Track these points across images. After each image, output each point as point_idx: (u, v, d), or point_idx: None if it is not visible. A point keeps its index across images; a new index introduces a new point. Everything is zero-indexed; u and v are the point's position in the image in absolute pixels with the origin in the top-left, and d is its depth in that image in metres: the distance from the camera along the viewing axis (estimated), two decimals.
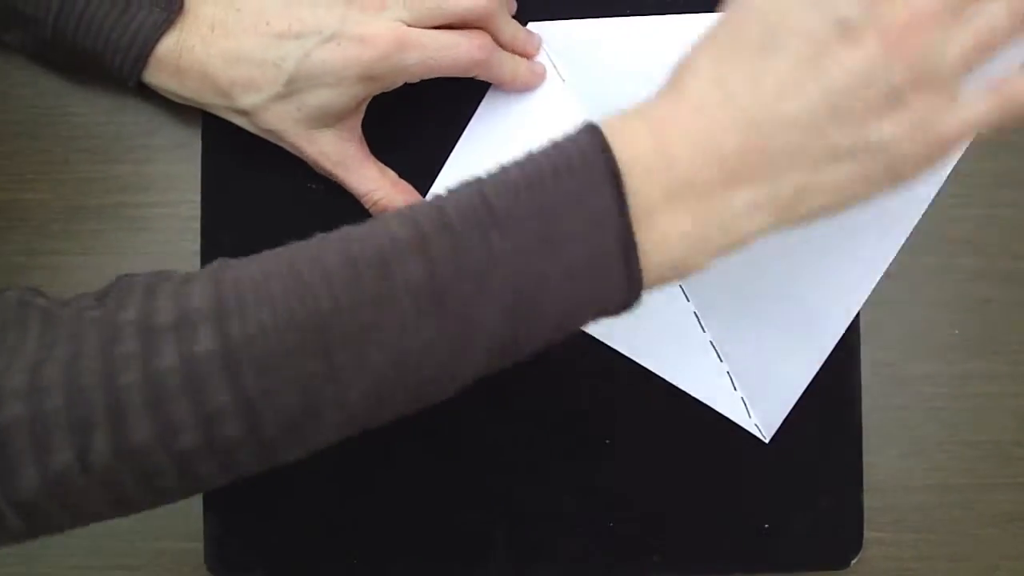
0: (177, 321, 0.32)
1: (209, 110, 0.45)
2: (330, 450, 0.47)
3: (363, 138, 0.46)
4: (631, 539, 0.48)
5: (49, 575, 0.47)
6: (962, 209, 0.50)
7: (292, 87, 0.42)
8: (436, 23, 0.43)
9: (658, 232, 0.33)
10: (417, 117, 0.47)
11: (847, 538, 0.48)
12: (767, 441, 0.48)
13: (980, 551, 0.49)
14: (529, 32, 0.47)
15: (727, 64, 0.34)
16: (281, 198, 0.48)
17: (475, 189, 0.33)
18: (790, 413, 0.48)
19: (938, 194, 0.50)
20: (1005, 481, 0.49)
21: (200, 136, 0.48)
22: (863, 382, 0.49)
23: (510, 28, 0.46)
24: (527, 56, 0.47)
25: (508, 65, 0.46)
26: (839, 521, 0.48)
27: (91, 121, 0.48)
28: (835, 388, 0.48)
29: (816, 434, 0.48)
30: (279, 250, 0.34)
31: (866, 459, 0.48)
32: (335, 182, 0.46)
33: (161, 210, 0.48)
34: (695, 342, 0.48)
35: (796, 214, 0.34)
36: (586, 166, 0.33)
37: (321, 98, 0.43)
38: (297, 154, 0.45)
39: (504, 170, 0.34)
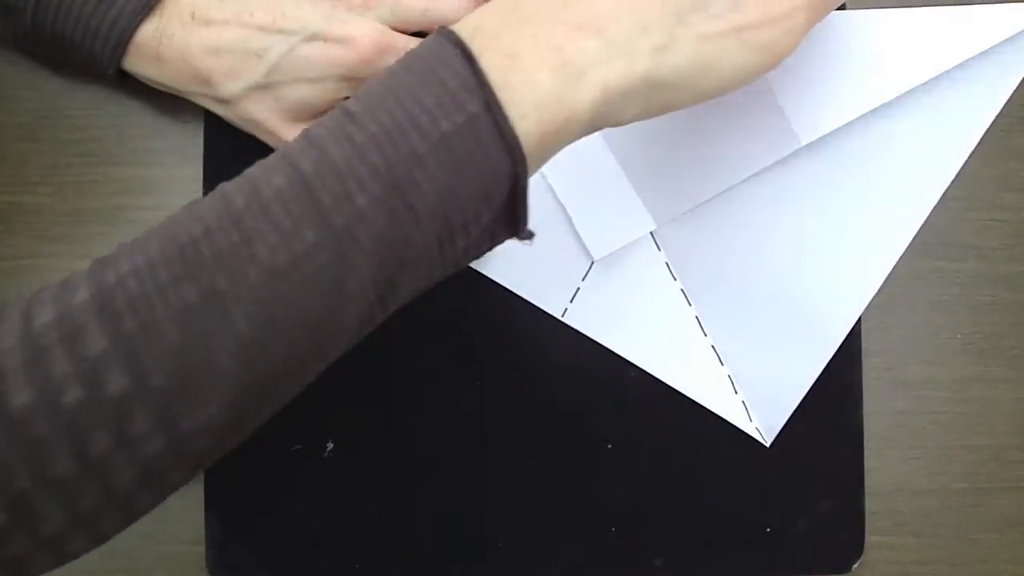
0: (58, 288, 0.31)
1: (189, 98, 0.45)
2: (331, 451, 0.47)
3: None
4: (632, 544, 0.48)
5: None
6: (964, 212, 0.50)
7: (272, 79, 0.43)
8: (420, 27, 0.43)
9: (517, 84, 0.32)
10: None
11: (848, 542, 0.48)
12: (768, 445, 0.48)
13: (982, 555, 0.49)
14: None
15: None
16: None
17: (336, 107, 0.33)
18: (791, 417, 0.48)
19: (941, 198, 0.50)
20: (1007, 485, 0.49)
21: (201, 139, 0.48)
22: (864, 386, 0.48)
23: None
24: None
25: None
26: (840, 525, 0.48)
27: (93, 124, 0.48)
28: (836, 392, 0.48)
29: (817, 438, 0.48)
30: None
31: (867, 463, 0.48)
32: None
33: (163, 213, 0.47)
34: (696, 346, 0.48)
35: (666, 63, 0.33)
36: (431, 47, 0.32)
37: (301, 92, 0.43)
38: (275, 146, 0.45)
39: (365, 84, 0.33)
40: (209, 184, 0.48)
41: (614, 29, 0.33)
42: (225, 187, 0.32)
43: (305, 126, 0.42)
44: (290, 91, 0.43)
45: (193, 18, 0.43)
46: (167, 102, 0.48)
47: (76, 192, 0.48)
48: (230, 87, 0.43)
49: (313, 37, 0.42)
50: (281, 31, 0.42)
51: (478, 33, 0.32)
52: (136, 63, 0.44)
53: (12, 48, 0.47)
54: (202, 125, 0.48)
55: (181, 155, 0.48)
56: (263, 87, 0.43)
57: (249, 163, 0.47)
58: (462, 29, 0.33)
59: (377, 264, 0.31)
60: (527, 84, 0.32)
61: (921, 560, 0.49)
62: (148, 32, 0.43)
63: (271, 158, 0.32)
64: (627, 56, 0.33)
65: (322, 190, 0.31)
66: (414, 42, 0.43)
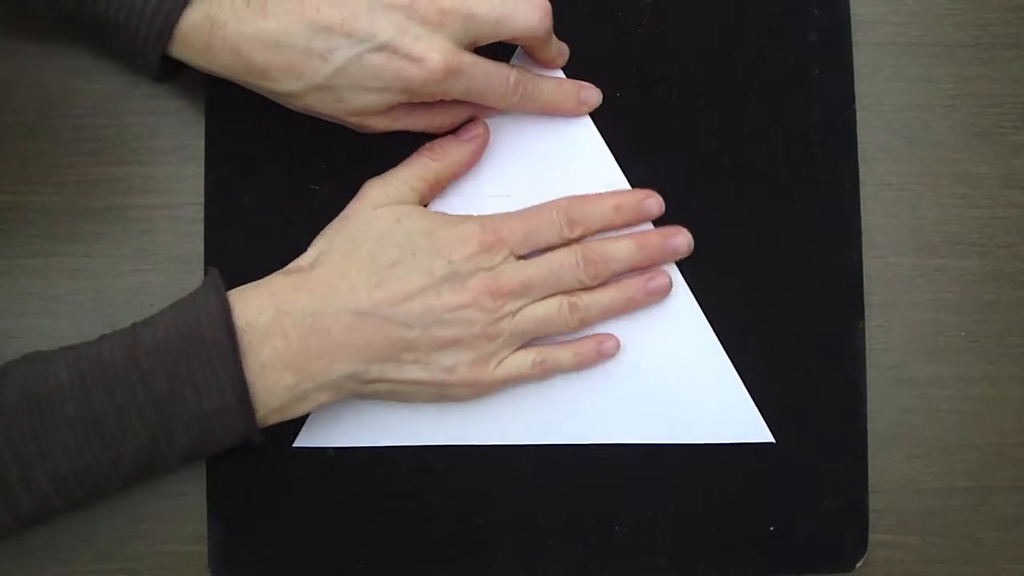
0: None
1: (244, 86, 0.44)
2: (333, 453, 0.47)
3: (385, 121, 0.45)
4: (636, 543, 0.48)
5: None
6: (967, 211, 0.50)
7: (335, 81, 0.41)
8: (491, 40, 0.43)
9: (265, 384, 0.41)
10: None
11: (852, 541, 0.48)
12: (775, 441, 0.48)
13: (985, 554, 0.49)
14: (561, 47, 0.47)
15: (358, 265, 0.43)
16: (284, 200, 0.48)
17: (130, 342, 0.41)
18: (795, 416, 0.48)
19: (944, 195, 0.50)
20: (1011, 484, 0.49)
21: (203, 138, 0.48)
22: (868, 384, 0.48)
23: (550, 51, 0.46)
24: (556, 68, 0.48)
25: (544, 97, 0.47)
26: (844, 524, 0.48)
27: (95, 123, 0.48)
28: (840, 390, 0.48)
29: (821, 436, 0.48)
30: None
31: (871, 462, 0.48)
32: (338, 184, 0.46)
33: (164, 212, 0.48)
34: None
35: (369, 390, 0.44)
36: (212, 334, 0.40)
37: (361, 98, 0.42)
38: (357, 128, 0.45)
39: (152, 327, 0.41)
40: (210, 183, 0.48)
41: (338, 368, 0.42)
42: (27, 386, 0.40)
43: (368, 121, 0.44)
44: (352, 95, 0.42)
45: (248, 6, 0.41)
46: (169, 101, 0.48)
47: (78, 191, 0.48)
48: (290, 84, 0.42)
49: (383, 47, 0.41)
50: (350, 35, 0.41)
51: (252, 331, 0.41)
52: (183, 51, 0.42)
53: (53, 31, 0.47)
54: (203, 124, 0.48)
55: (182, 154, 0.48)
56: (324, 88, 0.42)
57: (251, 164, 0.47)
58: (241, 318, 0.41)
59: (135, 473, 0.42)
60: (270, 391, 0.42)
61: (925, 559, 0.49)
62: (197, 17, 0.41)
63: (67, 369, 0.41)
64: (340, 389, 0.43)
65: (104, 429, 0.40)
66: (481, 65, 0.43)
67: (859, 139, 0.49)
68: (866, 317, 0.49)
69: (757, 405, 0.48)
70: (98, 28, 0.43)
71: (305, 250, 0.46)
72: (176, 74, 0.45)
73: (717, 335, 0.48)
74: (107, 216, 0.48)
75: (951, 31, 0.51)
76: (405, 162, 0.46)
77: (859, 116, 0.49)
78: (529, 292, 0.44)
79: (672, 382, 0.48)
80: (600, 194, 0.47)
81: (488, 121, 0.48)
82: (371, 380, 0.43)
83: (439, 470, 0.47)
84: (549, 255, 0.45)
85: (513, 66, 0.45)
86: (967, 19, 0.50)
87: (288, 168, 0.47)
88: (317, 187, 0.47)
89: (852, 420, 0.48)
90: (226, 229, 0.48)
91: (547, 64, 0.47)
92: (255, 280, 0.44)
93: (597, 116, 0.48)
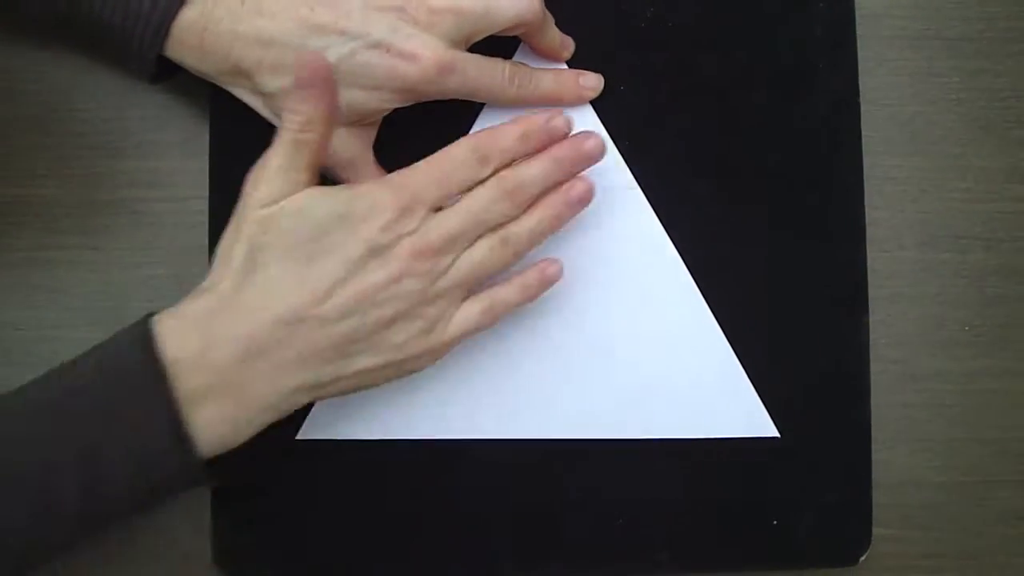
0: None
1: (224, 87, 0.44)
2: (336, 446, 0.47)
3: (372, 142, 0.46)
4: (639, 536, 0.48)
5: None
6: (973, 204, 0.50)
7: None
8: (483, 35, 0.43)
9: (202, 418, 0.38)
10: (421, 120, 0.47)
11: (856, 535, 0.48)
12: (779, 435, 0.48)
13: (989, 549, 0.49)
14: (565, 39, 0.47)
15: (274, 271, 0.39)
16: None
17: (53, 384, 0.39)
18: (799, 409, 0.48)
19: (948, 189, 0.50)
20: (1015, 478, 0.49)
21: (208, 132, 0.48)
22: (872, 378, 0.48)
23: (549, 37, 0.46)
24: (561, 60, 0.48)
25: (543, 87, 0.46)
26: (848, 518, 0.48)
27: (100, 117, 0.48)
28: (844, 384, 0.48)
29: (825, 431, 0.48)
30: None
31: (875, 456, 0.48)
32: (337, 179, 0.46)
33: (170, 205, 0.48)
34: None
35: (328, 392, 0.41)
36: (139, 371, 0.38)
37: (352, 97, 0.42)
38: None
39: (75, 367, 0.39)
40: (215, 176, 0.48)
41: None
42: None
43: (340, 130, 0.43)
44: (340, 94, 0.41)
45: (243, 4, 0.41)
46: (174, 95, 0.48)
47: (83, 185, 0.48)
48: (277, 82, 0.42)
49: (377, 45, 0.41)
50: (344, 33, 0.41)
51: (180, 365, 0.38)
52: (178, 49, 0.42)
53: (47, 34, 0.47)
54: (208, 117, 0.48)
55: (187, 148, 0.48)
56: None
57: (256, 158, 0.47)
58: (167, 352, 0.38)
59: (75, 530, 0.39)
60: (210, 425, 0.39)
61: (928, 553, 0.49)
62: (192, 16, 0.41)
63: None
64: (291, 403, 0.41)
65: (24, 473, 0.38)
66: (474, 61, 0.43)
67: (863, 133, 0.49)
68: (870, 311, 0.49)
69: (761, 399, 0.48)
70: (93, 30, 0.43)
71: None
72: (169, 76, 0.45)
73: (721, 329, 0.48)
74: (113, 209, 0.48)
75: (956, 25, 0.50)
76: (274, 150, 0.41)
77: (864, 110, 0.49)
78: (457, 242, 0.41)
79: (676, 376, 0.48)
80: (505, 124, 0.43)
81: (487, 117, 0.48)
82: (323, 384, 0.41)
83: (442, 463, 0.47)
84: (468, 199, 0.42)
85: (508, 60, 0.45)
86: (972, 13, 0.50)
87: None
88: (320, 180, 0.47)
89: (856, 414, 0.48)
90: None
91: (551, 56, 0.47)
92: None
93: (600, 110, 0.48)
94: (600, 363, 0.48)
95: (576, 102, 0.48)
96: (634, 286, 0.48)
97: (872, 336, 0.48)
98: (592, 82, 0.48)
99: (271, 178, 0.40)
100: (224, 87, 0.44)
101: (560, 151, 0.43)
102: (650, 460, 0.48)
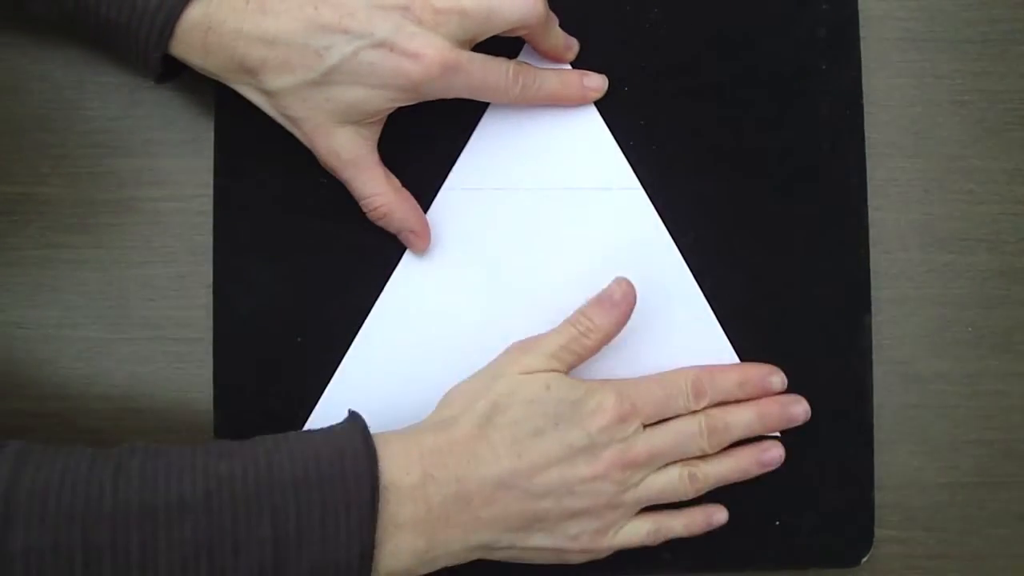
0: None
1: (229, 85, 0.44)
2: None
3: (376, 142, 0.46)
4: None
5: None
6: (976, 206, 0.50)
7: (329, 78, 0.42)
8: (488, 36, 0.43)
9: (394, 545, 0.40)
10: (426, 119, 0.47)
11: (858, 536, 0.48)
12: (780, 435, 0.48)
13: (991, 550, 0.49)
14: (569, 40, 0.48)
15: (503, 432, 0.42)
16: (293, 192, 0.48)
17: (265, 470, 0.38)
18: None
19: (952, 191, 0.50)
20: (1017, 480, 0.49)
21: (213, 131, 0.48)
22: (875, 379, 0.48)
23: (553, 39, 0.46)
24: (565, 61, 0.48)
25: (547, 88, 0.47)
26: (850, 519, 0.48)
27: (105, 116, 0.48)
28: (847, 385, 0.48)
29: (827, 432, 0.48)
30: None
31: (877, 457, 0.48)
32: (340, 177, 0.46)
33: (174, 204, 0.48)
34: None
35: (495, 556, 0.43)
36: (356, 487, 0.39)
37: (356, 95, 0.42)
38: (308, 145, 0.44)
39: (291, 459, 0.39)
40: (220, 175, 0.48)
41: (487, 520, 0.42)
42: (131, 498, 0.37)
43: (346, 128, 0.43)
44: (344, 92, 0.42)
45: (247, 3, 0.42)
46: (179, 94, 0.48)
47: (87, 183, 0.48)
48: (281, 80, 0.42)
49: (381, 44, 0.41)
50: (348, 31, 0.41)
51: (396, 490, 0.40)
52: (182, 47, 0.42)
53: (55, 30, 0.47)
54: (213, 116, 0.48)
55: (192, 146, 0.48)
56: (316, 84, 0.42)
57: (260, 157, 0.47)
58: (387, 474, 0.40)
59: None
60: (396, 553, 0.40)
61: (930, 554, 0.49)
62: (197, 14, 0.41)
63: (179, 482, 0.38)
64: (468, 554, 0.42)
65: (211, 559, 0.37)
66: (478, 61, 0.43)
67: (867, 134, 0.49)
68: (873, 312, 0.49)
69: None
70: (99, 29, 0.43)
71: (313, 244, 0.47)
72: (174, 75, 0.45)
73: (724, 329, 0.48)
74: (117, 208, 0.48)
75: (959, 27, 0.50)
76: (555, 331, 0.45)
77: (867, 111, 0.49)
78: (654, 461, 0.44)
79: None
80: (726, 367, 0.47)
81: (492, 116, 0.48)
82: (499, 547, 0.42)
83: None
84: (675, 424, 0.45)
85: (512, 60, 0.45)
86: (975, 15, 0.50)
87: (297, 161, 0.47)
88: (326, 180, 0.47)
89: (858, 415, 0.48)
90: (235, 221, 0.48)
91: (555, 57, 0.47)
92: (256, 274, 0.44)
93: (605, 110, 0.48)
94: (606, 366, 0.48)
95: (580, 102, 0.48)
96: (637, 286, 0.48)
97: (875, 337, 0.49)
98: (596, 83, 0.48)
99: (540, 354, 0.44)
100: (229, 85, 0.44)
101: (768, 407, 0.47)
102: None
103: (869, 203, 0.49)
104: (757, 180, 0.49)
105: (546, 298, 0.47)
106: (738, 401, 0.46)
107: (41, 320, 0.48)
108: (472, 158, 0.48)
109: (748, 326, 0.48)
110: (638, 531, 0.45)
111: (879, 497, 0.48)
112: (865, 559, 0.48)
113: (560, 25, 0.46)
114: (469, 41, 0.43)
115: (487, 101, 0.47)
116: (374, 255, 0.48)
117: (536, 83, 0.46)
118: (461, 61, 0.42)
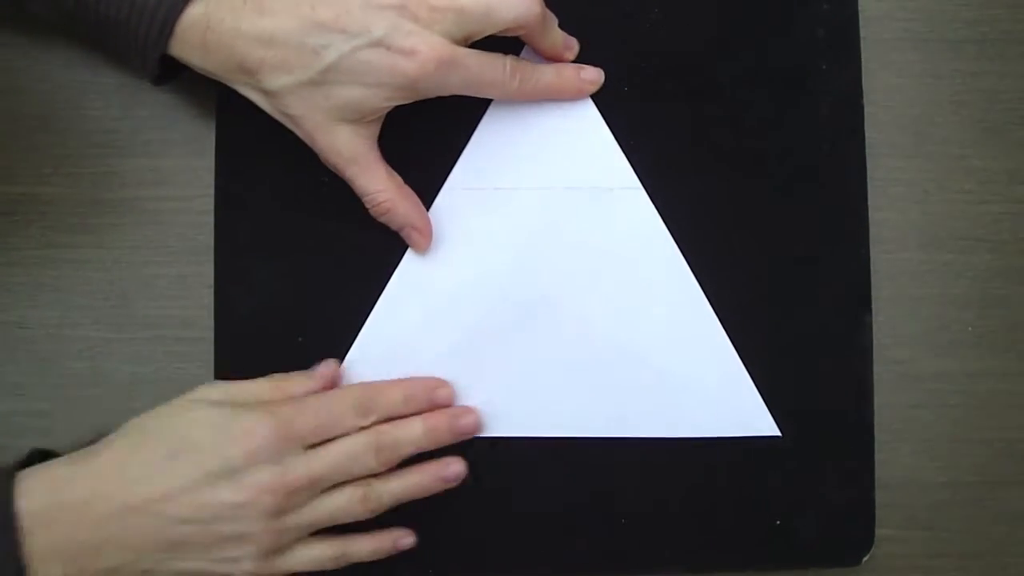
0: None
1: (229, 84, 0.44)
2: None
3: (377, 140, 0.46)
4: (641, 535, 0.48)
5: None
6: (977, 206, 0.50)
7: (327, 77, 0.42)
8: (484, 34, 0.43)
9: (34, 573, 0.39)
10: (427, 119, 0.48)
11: (858, 535, 0.48)
12: (781, 434, 0.48)
13: (991, 549, 0.49)
14: (569, 40, 0.48)
15: (140, 456, 0.42)
16: (294, 192, 0.48)
17: None
18: (802, 410, 0.48)
19: (952, 191, 0.50)
20: (1017, 479, 0.49)
21: (214, 131, 0.48)
22: (876, 379, 0.48)
23: (551, 39, 0.46)
24: (564, 61, 0.48)
25: (544, 81, 0.47)
26: (850, 518, 0.48)
27: (107, 116, 0.49)
28: (847, 385, 0.48)
29: (827, 431, 0.48)
30: None
31: (878, 456, 0.48)
32: (343, 175, 0.46)
33: (176, 204, 0.48)
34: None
35: (153, 574, 0.42)
36: None
37: (353, 94, 0.42)
38: (309, 143, 0.44)
39: None
40: (221, 175, 0.48)
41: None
42: None
43: (345, 127, 0.43)
44: (343, 91, 0.42)
45: (245, 3, 0.42)
46: (180, 94, 0.49)
47: (89, 183, 0.48)
48: (279, 80, 0.42)
49: (378, 43, 0.41)
50: (344, 31, 0.41)
51: (31, 518, 0.40)
52: (182, 47, 0.42)
53: (54, 29, 0.47)
54: (214, 116, 0.48)
55: (194, 146, 0.49)
56: (314, 84, 0.42)
57: (262, 157, 0.47)
58: (23, 503, 0.40)
59: None
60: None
61: (931, 553, 0.49)
62: (196, 14, 0.41)
63: None
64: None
65: None
66: (475, 56, 0.43)
67: (867, 134, 0.49)
68: (873, 312, 0.49)
69: (764, 399, 0.48)
70: (99, 28, 0.43)
71: (313, 244, 0.47)
72: (173, 76, 0.45)
73: (724, 329, 0.48)
74: (119, 208, 0.48)
75: (959, 27, 0.51)
76: (252, 381, 0.45)
77: (867, 111, 0.49)
78: (318, 484, 0.43)
79: (679, 376, 0.48)
80: (391, 383, 0.46)
81: (493, 116, 0.48)
82: (147, 570, 0.41)
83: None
84: (340, 444, 0.44)
85: (509, 55, 0.45)
86: (975, 15, 0.51)
87: (298, 161, 0.47)
88: (327, 179, 0.47)
89: (859, 414, 0.48)
90: (237, 221, 0.48)
91: (554, 57, 0.48)
92: (257, 274, 0.45)
93: (605, 110, 0.48)
94: (602, 363, 0.48)
95: (577, 96, 0.48)
96: (636, 286, 0.48)
97: (875, 337, 0.49)
98: (592, 75, 0.48)
99: (217, 387, 0.45)
100: (229, 85, 0.44)
101: (436, 421, 0.46)
102: (652, 459, 0.48)
103: (869, 203, 0.49)
104: (757, 180, 0.49)
105: (546, 297, 0.48)
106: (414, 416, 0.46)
107: (42, 320, 0.48)
108: (473, 158, 0.48)
109: (748, 326, 0.48)
110: (317, 555, 0.44)
111: (880, 496, 0.48)
112: (866, 558, 0.48)
113: (560, 25, 0.47)
114: (465, 39, 0.43)
115: (486, 97, 0.47)
116: (375, 255, 0.48)
117: (534, 78, 0.46)
118: (457, 56, 0.43)
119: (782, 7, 0.49)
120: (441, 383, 0.47)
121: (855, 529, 0.48)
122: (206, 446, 0.42)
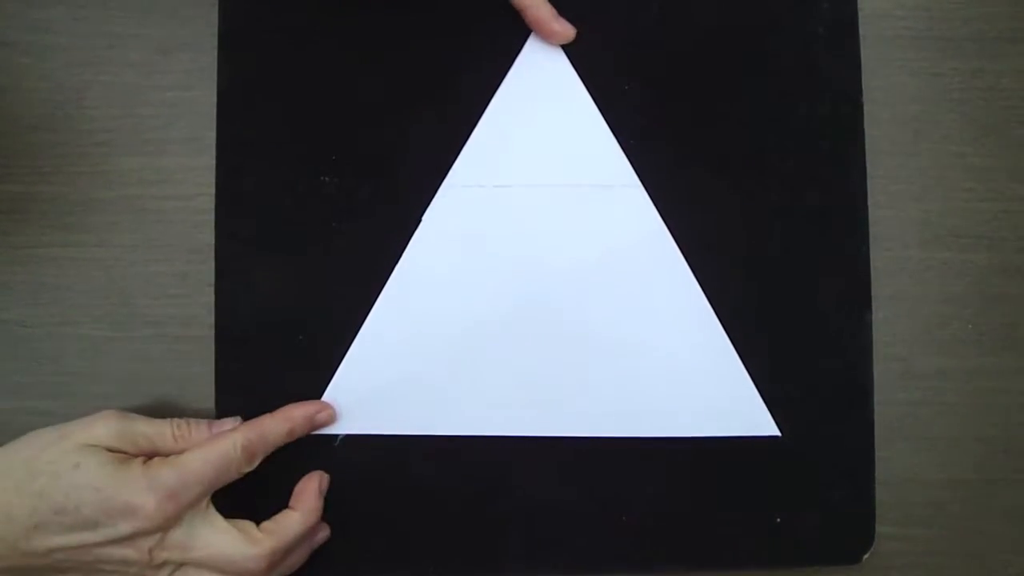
0: None
1: None
2: (341, 441, 0.47)
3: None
4: (641, 533, 0.48)
5: None
6: (976, 204, 0.50)
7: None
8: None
9: None
10: (425, 119, 0.48)
11: (858, 533, 0.48)
12: (780, 433, 0.48)
13: (991, 547, 0.49)
14: (565, 24, 0.47)
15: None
16: (294, 191, 0.48)
17: None
18: (802, 408, 0.48)
19: (951, 189, 0.50)
20: (1017, 477, 0.49)
21: (215, 129, 0.48)
22: (876, 377, 0.48)
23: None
24: (553, 39, 0.47)
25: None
26: (851, 516, 0.48)
27: (107, 115, 0.49)
28: (847, 383, 0.48)
29: (828, 429, 0.48)
30: None
31: (878, 454, 0.48)
32: (348, 176, 0.46)
33: (176, 203, 0.48)
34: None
35: None
36: None
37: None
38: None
39: None
40: (221, 174, 0.48)
41: None
42: None
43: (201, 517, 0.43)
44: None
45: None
46: (180, 92, 0.49)
47: (89, 182, 0.48)
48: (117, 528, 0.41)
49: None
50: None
51: None
52: None
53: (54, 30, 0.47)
54: (215, 115, 0.48)
55: (194, 145, 0.48)
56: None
57: (262, 156, 0.47)
58: None
59: None
60: None
61: (931, 551, 0.49)
62: None
63: None
64: None
65: None
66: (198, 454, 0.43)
67: (866, 132, 0.49)
68: (873, 310, 0.49)
69: (763, 398, 0.48)
70: None
71: (314, 243, 0.47)
72: None
73: (723, 328, 0.48)
74: (118, 207, 0.48)
75: (958, 25, 0.51)
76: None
77: (867, 109, 0.49)
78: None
79: (678, 375, 0.48)
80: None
81: (494, 113, 0.48)
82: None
83: (447, 460, 0.48)
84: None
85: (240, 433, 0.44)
86: (974, 13, 0.51)
87: (299, 159, 0.47)
88: (327, 179, 0.47)
89: (859, 413, 0.48)
90: (237, 220, 0.48)
91: (547, 35, 0.47)
92: (258, 272, 0.45)
93: (605, 108, 0.48)
94: (601, 362, 0.48)
95: (546, 34, 0.47)
96: (636, 285, 0.48)
97: (875, 335, 0.49)
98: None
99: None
100: None
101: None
102: (652, 459, 0.48)
103: (869, 201, 0.49)
104: (757, 178, 0.49)
105: (546, 296, 0.48)
106: None
107: (43, 318, 0.48)
108: (473, 155, 0.48)
109: (748, 325, 0.48)
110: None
111: (880, 494, 0.48)
112: (866, 556, 0.48)
113: None
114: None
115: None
116: (375, 254, 0.48)
117: (265, 444, 0.45)
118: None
119: (782, 6, 0.49)
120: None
121: (855, 527, 0.48)
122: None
